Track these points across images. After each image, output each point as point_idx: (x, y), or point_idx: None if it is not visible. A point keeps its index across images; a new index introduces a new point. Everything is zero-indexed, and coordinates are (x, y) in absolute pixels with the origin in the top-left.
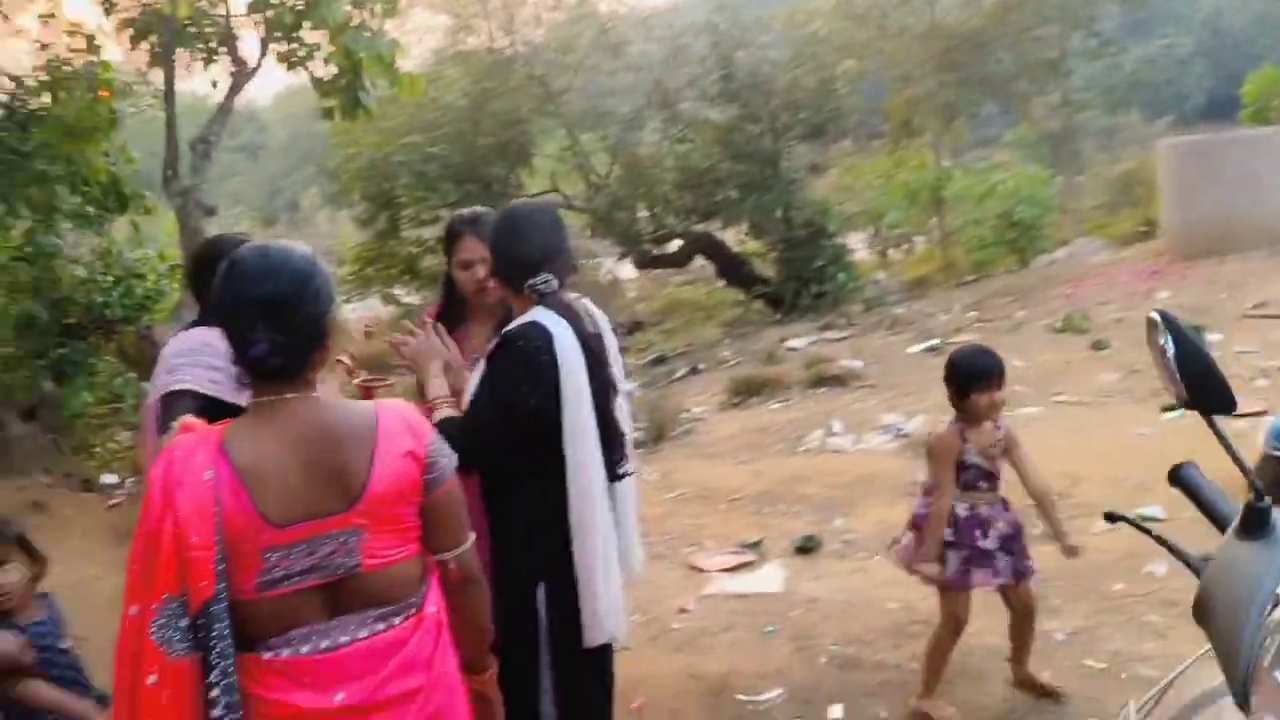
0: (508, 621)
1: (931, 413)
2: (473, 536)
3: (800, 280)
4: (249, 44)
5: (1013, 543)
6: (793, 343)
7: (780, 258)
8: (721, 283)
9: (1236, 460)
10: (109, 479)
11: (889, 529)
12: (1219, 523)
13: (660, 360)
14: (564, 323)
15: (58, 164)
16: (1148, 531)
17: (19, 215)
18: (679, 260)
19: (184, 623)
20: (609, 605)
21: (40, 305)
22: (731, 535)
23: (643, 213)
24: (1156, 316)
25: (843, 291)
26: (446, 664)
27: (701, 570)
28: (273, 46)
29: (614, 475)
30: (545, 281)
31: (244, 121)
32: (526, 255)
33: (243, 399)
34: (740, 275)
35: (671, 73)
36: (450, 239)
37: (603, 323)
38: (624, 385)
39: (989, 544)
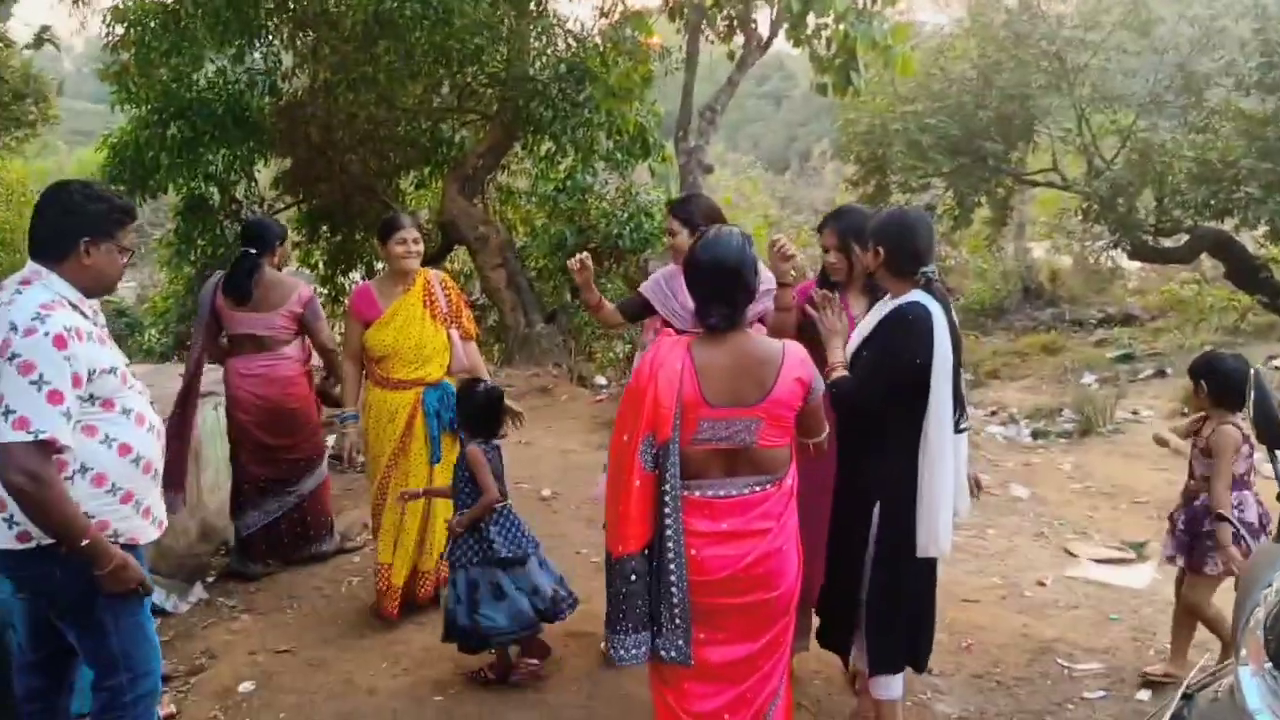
0: (843, 527)
1: None
2: (827, 429)
3: None
4: (762, 22)
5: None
6: None
7: None
8: (1231, 286)
9: None
10: (600, 380)
11: None
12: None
13: (1127, 357)
14: (938, 305)
15: (599, 114)
16: None
17: (565, 154)
18: (1183, 256)
19: (653, 451)
20: (943, 528)
21: (571, 230)
22: (1120, 533)
23: (1147, 202)
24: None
25: None
26: (789, 520)
27: (1073, 555)
28: (783, 28)
29: (956, 428)
30: (931, 270)
31: (774, 69)
32: (916, 249)
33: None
34: (1256, 281)
35: (1200, 57)
36: (819, 229)
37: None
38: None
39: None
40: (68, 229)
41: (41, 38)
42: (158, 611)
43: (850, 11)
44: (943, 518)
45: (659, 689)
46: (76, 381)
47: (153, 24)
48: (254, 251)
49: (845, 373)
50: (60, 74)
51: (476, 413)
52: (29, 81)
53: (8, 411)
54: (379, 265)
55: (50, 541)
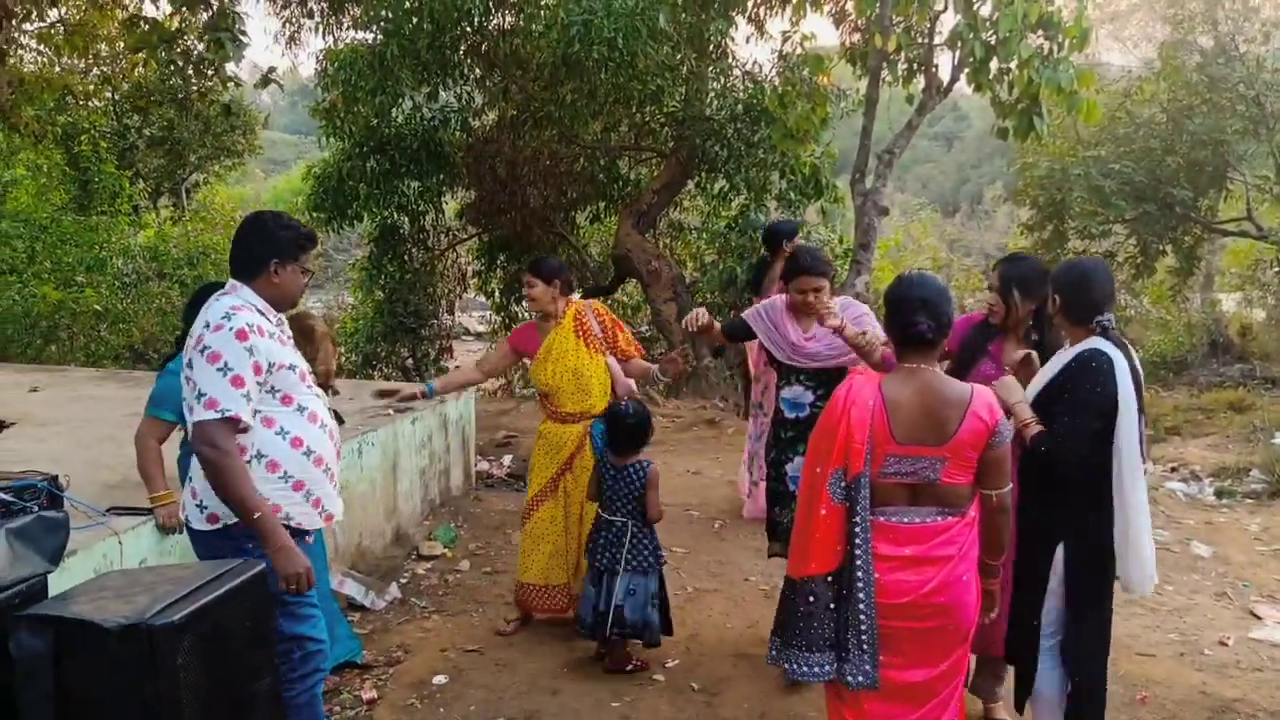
0: (1026, 565)
1: None
2: (1010, 485)
3: None
4: (944, 66)
5: None
6: None
7: None
8: None
9: None
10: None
11: None
12: None
13: None
14: (1119, 351)
15: (773, 154)
16: None
17: (738, 193)
18: None
19: (843, 484)
20: (1150, 563)
21: (742, 267)
22: None
23: None
24: None
25: None
26: (970, 551)
27: (1258, 617)
28: (965, 72)
29: None
30: (1108, 319)
31: (946, 110)
32: (1094, 299)
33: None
34: None
35: None
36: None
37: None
38: None
39: None
40: (261, 252)
41: (268, 78)
42: (357, 607)
43: (1035, 57)
44: (1148, 553)
45: (837, 708)
46: (257, 370)
47: (360, 65)
48: None
49: (1040, 428)
50: (262, 108)
51: (628, 431)
52: (241, 114)
53: (200, 394)
54: None
55: (234, 522)
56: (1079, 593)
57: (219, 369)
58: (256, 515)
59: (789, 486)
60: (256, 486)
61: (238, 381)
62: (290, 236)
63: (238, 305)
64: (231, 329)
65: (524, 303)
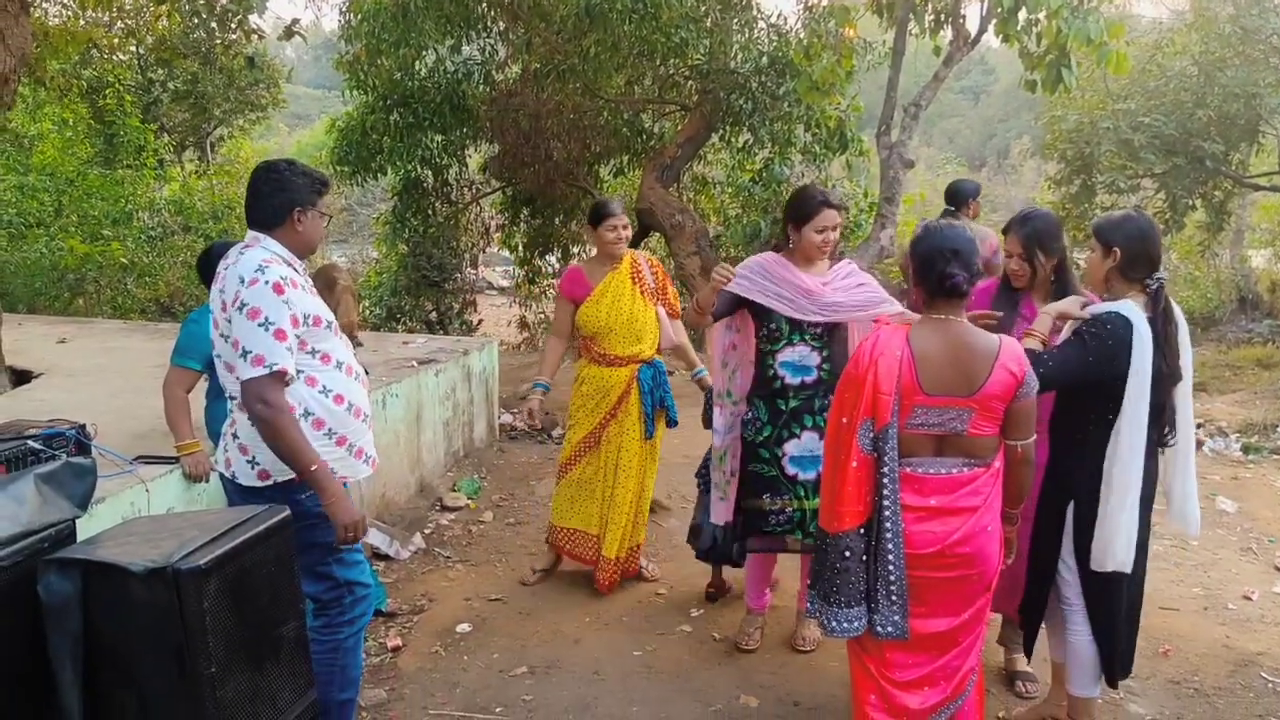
0: (1041, 528)
1: None
2: (1034, 436)
3: None
4: (972, 18)
5: None
6: None
7: None
8: None
9: None
10: None
11: None
12: None
13: None
14: (1142, 314)
15: (798, 108)
16: None
17: (762, 146)
18: None
19: (871, 435)
20: (1122, 542)
21: (766, 220)
22: None
23: None
24: None
25: None
26: (994, 502)
27: None
28: (993, 23)
29: (1161, 442)
30: (1159, 279)
31: (973, 64)
32: (1152, 254)
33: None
34: None
35: None
36: (1004, 231)
37: (1181, 320)
38: (1188, 374)
39: None
40: (282, 200)
41: (291, 30)
42: (382, 556)
43: (1064, 7)
44: (1122, 532)
45: (860, 657)
46: (294, 322)
47: (384, 17)
48: None
49: (1040, 346)
50: (286, 61)
51: None
52: (265, 68)
53: (245, 352)
54: (574, 249)
55: (286, 479)
56: (1089, 551)
57: (260, 324)
58: (314, 468)
59: (786, 470)
60: None
61: (280, 335)
62: (307, 183)
63: (268, 258)
64: (268, 282)
65: (604, 243)
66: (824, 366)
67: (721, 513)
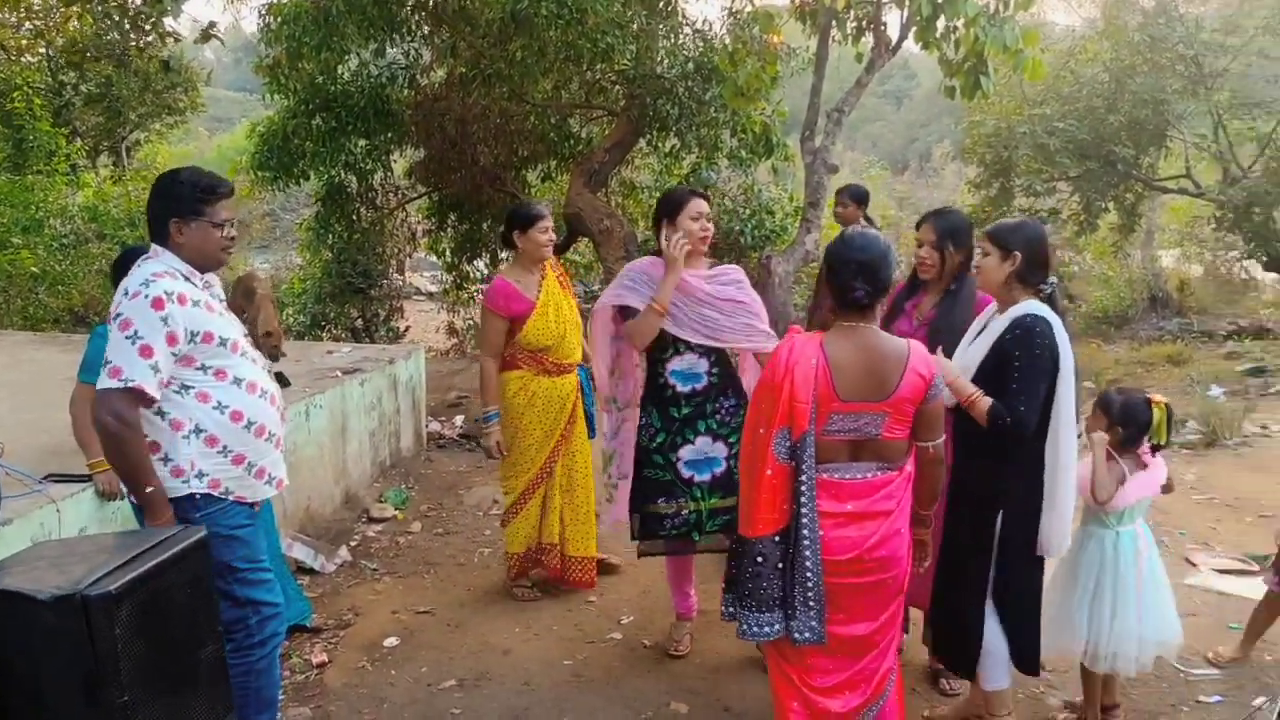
0: (966, 530)
1: None
2: (944, 436)
3: None
4: (892, 25)
5: None
6: None
7: None
8: None
9: None
10: None
11: None
12: None
13: (1258, 371)
14: (1054, 315)
15: (724, 113)
16: None
17: (689, 151)
18: None
19: (787, 444)
20: (1061, 531)
21: None
22: (1243, 546)
23: None
24: None
25: None
26: (905, 505)
27: (1193, 565)
28: (912, 31)
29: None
30: (1052, 284)
31: (896, 69)
32: (1047, 259)
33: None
34: None
35: None
36: (918, 224)
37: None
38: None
39: None
40: (160, 212)
41: (208, 33)
42: (307, 570)
43: (981, 16)
44: (1069, 515)
45: (780, 666)
46: (172, 340)
47: (304, 20)
48: None
49: (989, 400)
50: (205, 64)
51: None
52: (182, 71)
53: (107, 362)
54: (503, 254)
55: (176, 496)
56: (1013, 554)
57: (128, 337)
58: (149, 490)
59: (682, 474)
60: (196, 462)
61: (146, 351)
62: (184, 192)
63: (159, 272)
64: (148, 297)
65: (536, 245)
66: (713, 372)
67: (612, 514)
